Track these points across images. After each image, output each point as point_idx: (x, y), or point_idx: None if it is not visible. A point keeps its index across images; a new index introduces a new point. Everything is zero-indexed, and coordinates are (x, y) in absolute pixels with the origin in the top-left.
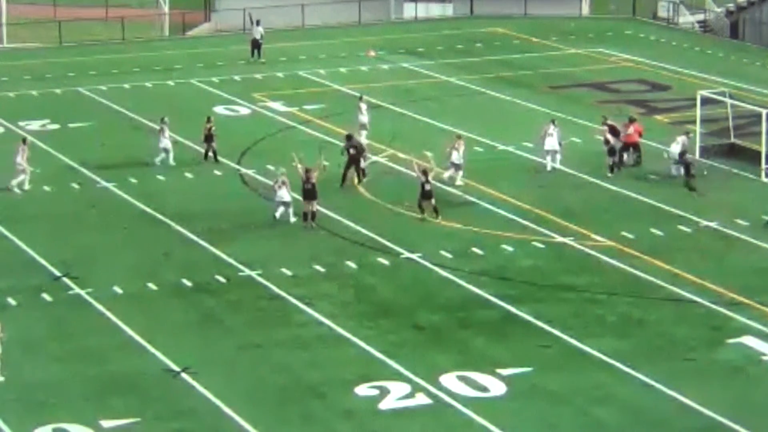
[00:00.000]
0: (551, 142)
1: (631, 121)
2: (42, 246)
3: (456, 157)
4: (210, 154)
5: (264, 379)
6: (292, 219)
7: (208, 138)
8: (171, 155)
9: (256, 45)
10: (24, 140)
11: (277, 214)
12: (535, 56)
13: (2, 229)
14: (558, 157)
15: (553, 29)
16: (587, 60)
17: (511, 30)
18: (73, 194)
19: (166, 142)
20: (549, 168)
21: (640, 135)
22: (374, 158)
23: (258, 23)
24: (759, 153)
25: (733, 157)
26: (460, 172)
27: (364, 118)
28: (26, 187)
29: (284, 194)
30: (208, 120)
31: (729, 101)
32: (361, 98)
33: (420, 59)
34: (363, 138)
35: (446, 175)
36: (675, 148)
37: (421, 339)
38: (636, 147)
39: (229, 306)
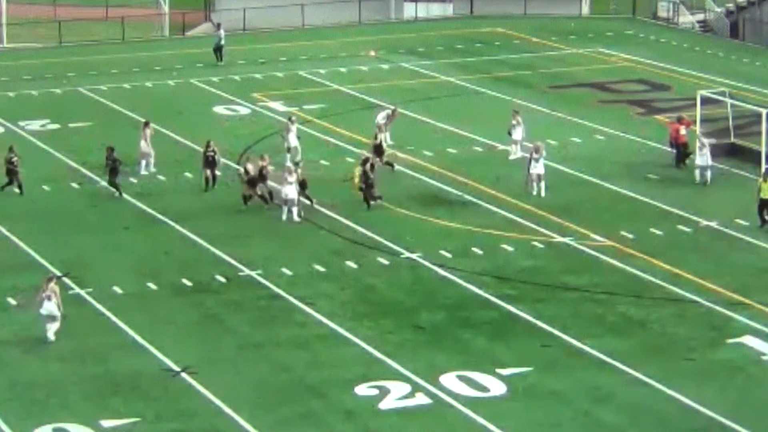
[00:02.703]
0: (518, 134)
1: (678, 120)
2: (42, 246)
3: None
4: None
5: (264, 378)
6: (297, 218)
7: (210, 163)
8: (299, 154)
9: (218, 48)
10: (146, 123)
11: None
12: (535, 56)
13: (2, 228)
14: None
15: (553, 29)
16: (587, 60)
17: (511, 30)
18: (73, 194)
19: (293, 140)
20: (512, 157)
21: (673, 136)
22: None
23: (219, 26)
24: (759, 153)
25: (733, 157)
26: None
27: (382, 120)
28: (152, 168)
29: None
30: (208, 144)
31: (729, 101)
32: (394, 112)
33: (420, 59)
34: (384, 143)
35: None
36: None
37: (421, 339)
38: (679, 147)
39: (230, 306)
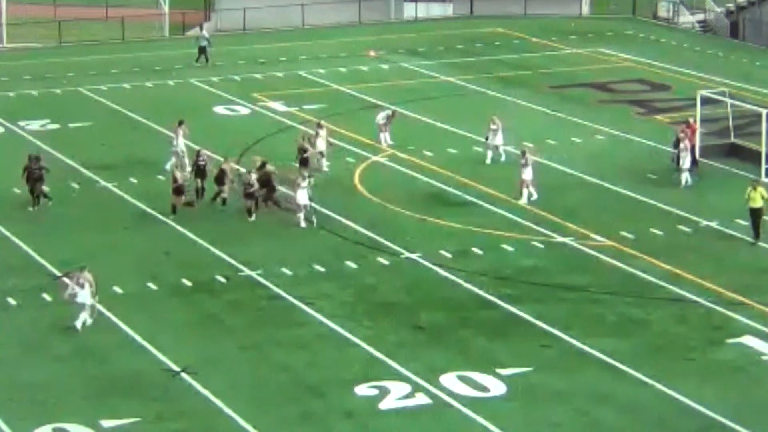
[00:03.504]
0: (498, 138)
1: (687, 125)
2: (42, 246)
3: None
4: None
5: (264, 379)
6: (302, 224)
7: (200, 173)
8: (324, 161)
9: (202, 50)
10: (180, 122)
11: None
12: (535, 56)
13: (2, 229)
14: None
15: (553, 29)
16: (587, 60)
17: (511, 30)
18: (73, 194)
19: (321, 145)
20: (488, 161)
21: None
22: (374, 158)
23: (201, 27)
24: (759, 153)
25: (733, 157)
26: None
27: (381, 120)
28: (167, 167)
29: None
30: (198, 153)
31: (729, 101)
32: (393, 113)
33: (420, 59)
34: (383, 143)
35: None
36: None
37: (421, 339)
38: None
39: (229, 306)
